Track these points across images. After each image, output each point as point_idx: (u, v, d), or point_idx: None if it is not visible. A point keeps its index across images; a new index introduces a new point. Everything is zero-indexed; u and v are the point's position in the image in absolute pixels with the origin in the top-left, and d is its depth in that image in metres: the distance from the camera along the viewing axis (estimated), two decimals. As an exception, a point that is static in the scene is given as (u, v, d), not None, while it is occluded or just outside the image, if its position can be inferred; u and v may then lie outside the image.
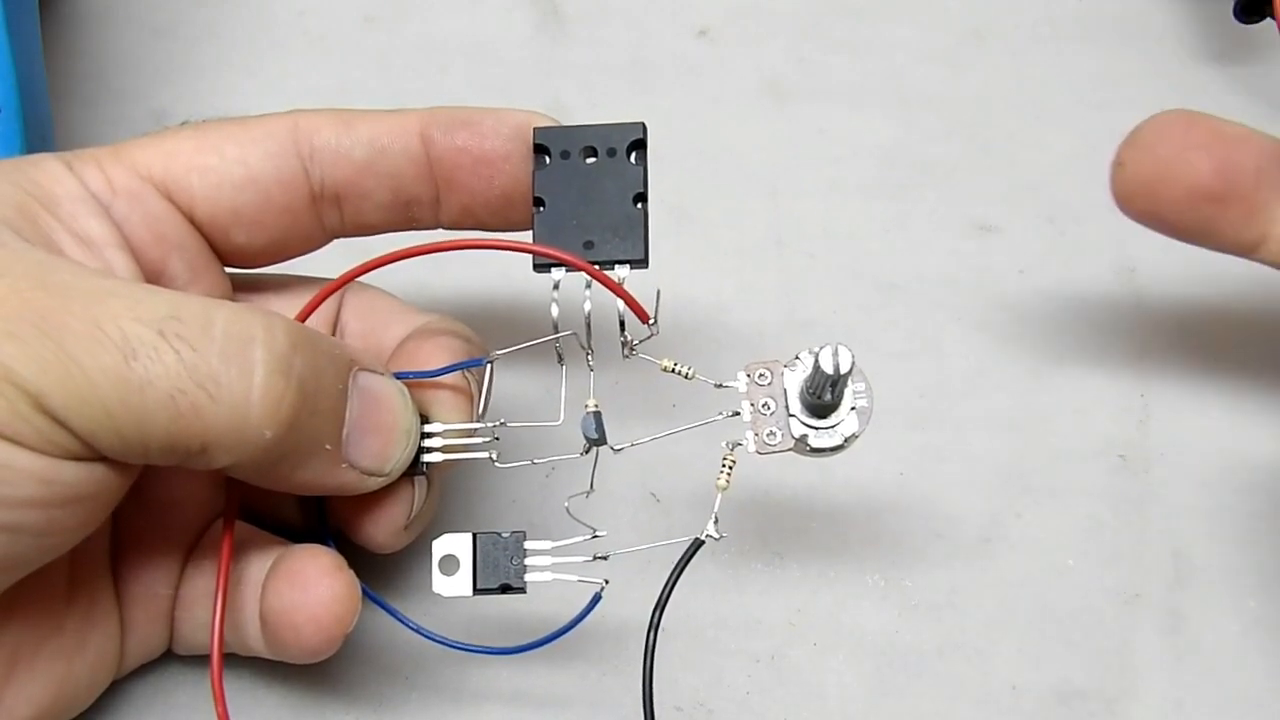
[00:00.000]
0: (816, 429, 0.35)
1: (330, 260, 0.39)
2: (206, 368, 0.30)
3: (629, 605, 0.37)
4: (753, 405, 0.35)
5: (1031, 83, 0.51)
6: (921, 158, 0.49)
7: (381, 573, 0.40)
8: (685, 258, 0.47)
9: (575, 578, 0.35)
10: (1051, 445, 0.44)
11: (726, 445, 0.35)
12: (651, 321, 0.35)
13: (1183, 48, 0.51)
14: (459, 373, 0.37)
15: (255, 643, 0.37)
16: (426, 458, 0.36)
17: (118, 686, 0.38)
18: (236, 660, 0.38)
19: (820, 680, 0.40)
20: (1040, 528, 0.42)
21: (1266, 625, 0.41)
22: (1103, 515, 0.43)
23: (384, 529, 0.36)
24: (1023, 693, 0.40)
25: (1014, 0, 0.52)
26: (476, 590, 0.35)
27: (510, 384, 0.42)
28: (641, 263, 0.35)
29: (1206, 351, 0.45)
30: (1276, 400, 0.44)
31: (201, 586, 0.37)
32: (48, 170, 0.35)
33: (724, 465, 0.35)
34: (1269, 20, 0.47)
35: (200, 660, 0.39)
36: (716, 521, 0.35)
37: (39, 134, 0.42)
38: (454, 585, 0.35)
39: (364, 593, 0.36)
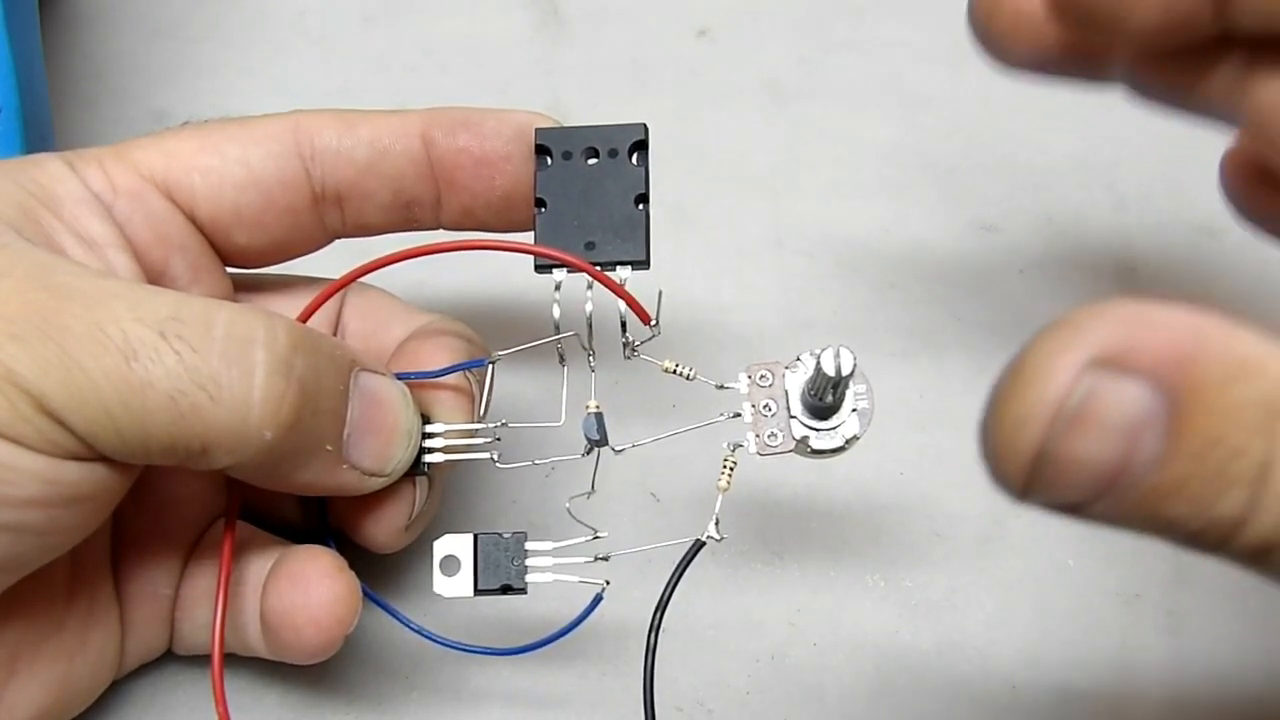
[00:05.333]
0: (818, 431, 0.35)
1: (331, 261, 0.39)
2: (207, 369, 0.30)
3: (629, 605, 0.37)
4: (754, 407, 0.35)
5: (1031, 83, 0.50)
6: (921, 158, 0.49)
7: (382, 573, 0.40)
8: (685, 258, 0.47)
9: (576, 578, 0.35)
10: (1051, 445, 0.44)
11: (727, 446, 0.35)
12: (653, 322, 0.35)
13: (1183, 48, 0.51)
14: (460, 373, 0.37)
15: (255, 643, 0.37)
16: (428, 458, 0.36)
17: (118, 686, 0.38)
18: (236, 660, 0.38)
19: (820, 680, 0.40)
20: (1040, 528, 0.42)
21: (1266, 625, 0.41)
22: (1103, 515, 0.43)
23: (385, 529, 0.36)
24: (1023, 693, 0.40)
25: (1014, 0, 0.52)
26: (477, 591, 0.35)
27: (511, 384, 0.42)
28: (643, 264, 0.35)
29: (1206, 352, 0.45)
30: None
31: (202, 587, 0.37)
32: (49, 170, 0.35)
33: (725, 466, 0.35)
34: (1269, 20, 0.47)
35: (200, 660, 0.39)
36: (717, 523, 0.35)
37: (39, 134, 0.42)
38: (455, 586, 0.35)
39: (364, 593, 0.36)
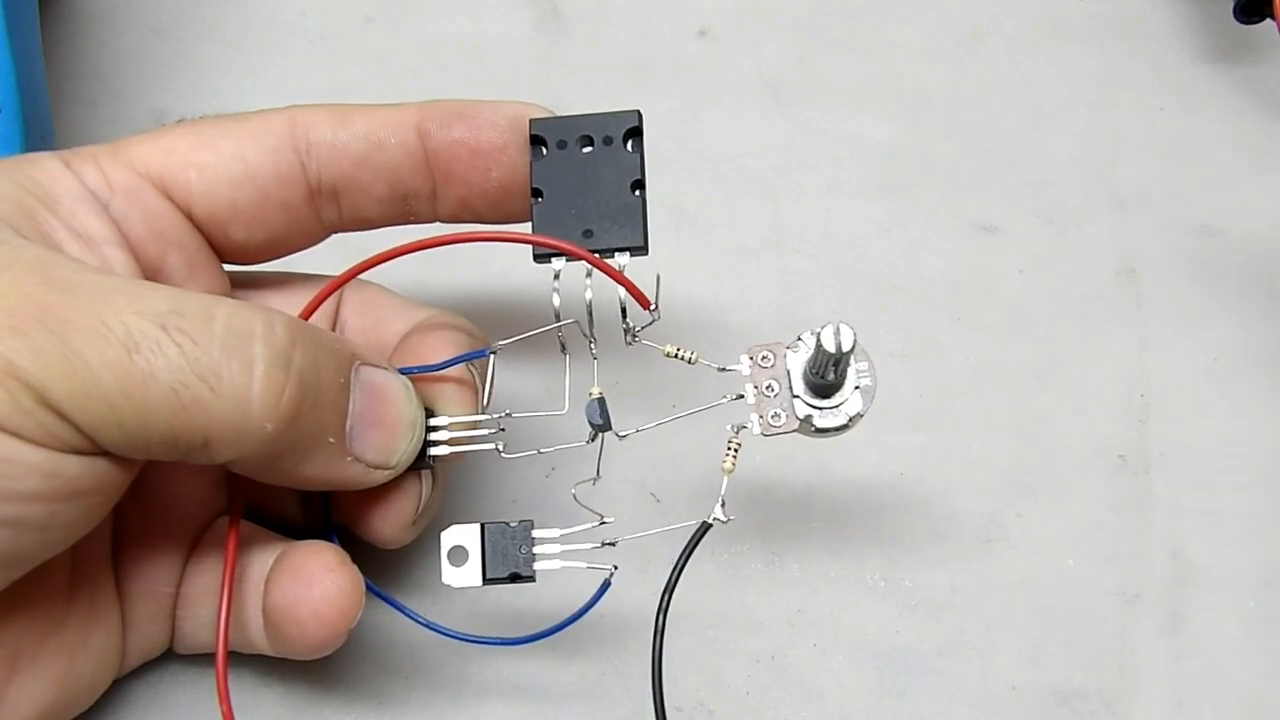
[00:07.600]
0: (821, 409, 0.35)
1: (328, 258, 0.39)
2: (208, 361, 0.30)
3: (630, 605, 0.37)
4: (756, 388, 0.35)
5: (1031, 83, 0.51)
6: (921, 158, 0.49)
7: (383, 571, 0.40)
8: (685, 258, 0.47)
9: (584, 564, 0.35)
10: (1051, 445, 0.44)
11: (731, 428, 0.35)
12: (653, 307, 0.35)
13: (1183, 48, 0.51)
14: (462, 365, 0.37)
15: (258, 639, 0.37)
16: (433, 451, 0.36)
17: (119, 686, 0.38)
18: (237, 659, 0.38)
19: (820, 680, 0.40)
20: (1040, 528, 0.42)
21: (1266, 625, 0.41)
22: (1103, 515, 0.43)
23: (392, 523, 0.36)
24: (1023, 693, 0.40)
25: (1014, 0, 0.52)
26: (486, 580, 0.35)
27: (513, 377, 0.43)
28: (641, 250, 0.35)
29: (1206, 351, 0.46)
30: (1277, 400, 0.44)
31: (203, 585, 0.37)
32: (46, 168, 0.35)
33: (729, 448, 0.35)
34: (1269, 20, 0.47)
35: (201, 660, 0.39)
36: (724, 505, 0.35)
37: (39, 134, 0.42)
38: (463, 576, 0.35)
39: (367, 587, 0.36)
